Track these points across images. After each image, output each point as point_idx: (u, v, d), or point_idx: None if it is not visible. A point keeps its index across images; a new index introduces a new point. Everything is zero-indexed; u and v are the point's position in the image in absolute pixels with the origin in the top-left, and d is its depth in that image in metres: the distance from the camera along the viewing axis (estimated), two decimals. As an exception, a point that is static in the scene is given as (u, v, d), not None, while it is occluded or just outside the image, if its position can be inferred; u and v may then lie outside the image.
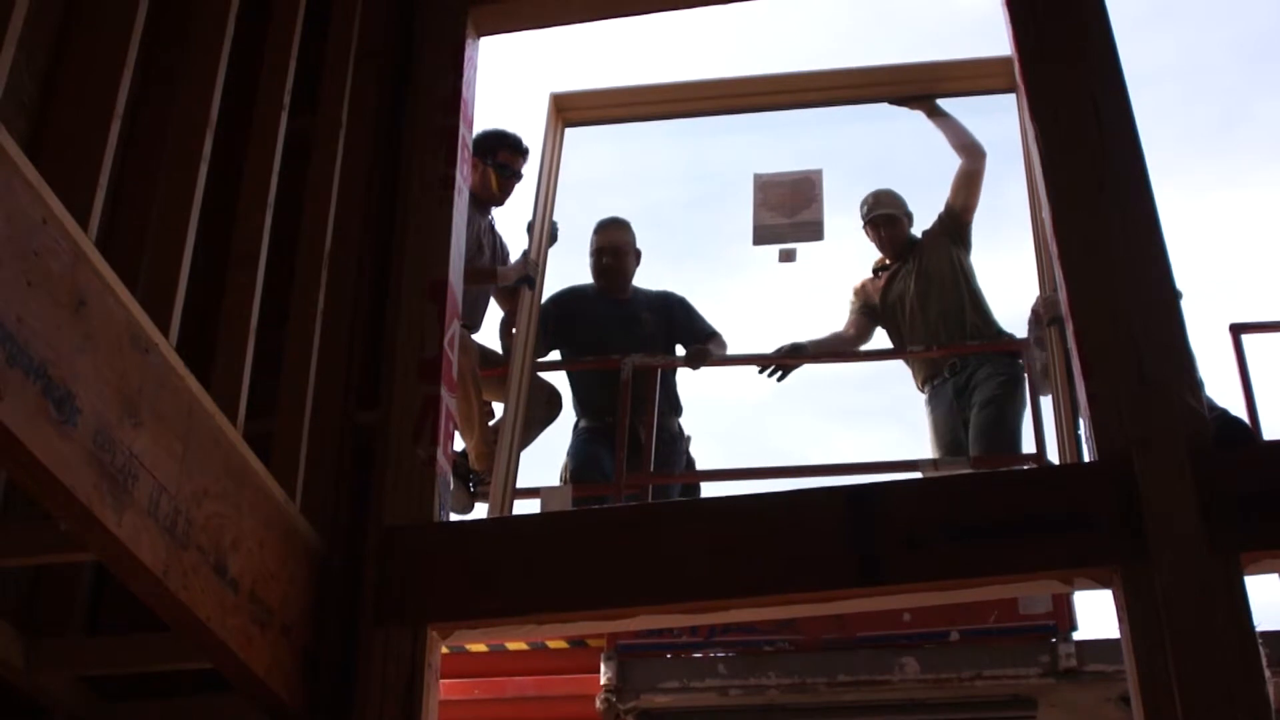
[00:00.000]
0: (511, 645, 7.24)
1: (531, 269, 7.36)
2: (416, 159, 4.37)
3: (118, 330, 2.72)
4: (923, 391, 7.55)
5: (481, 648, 7.18)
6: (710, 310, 8.21)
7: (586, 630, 6.00)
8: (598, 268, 7.84)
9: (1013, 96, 7.17)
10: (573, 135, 7.99)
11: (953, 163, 7.67)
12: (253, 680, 3.27)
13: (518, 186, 7.58)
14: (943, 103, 7.60)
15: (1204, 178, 18.74)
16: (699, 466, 7.74)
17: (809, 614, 3.84)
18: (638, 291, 7.88)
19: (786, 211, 7.22)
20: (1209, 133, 18.79)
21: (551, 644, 7.27)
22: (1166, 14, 17.78)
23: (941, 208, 7.75)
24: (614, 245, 7.85)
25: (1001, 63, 7.12)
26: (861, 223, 7.94)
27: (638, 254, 7.94)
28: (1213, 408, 5.97)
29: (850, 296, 7.92)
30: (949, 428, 7.31)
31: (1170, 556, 3.27)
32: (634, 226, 8.00)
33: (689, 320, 7.84)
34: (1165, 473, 3.38)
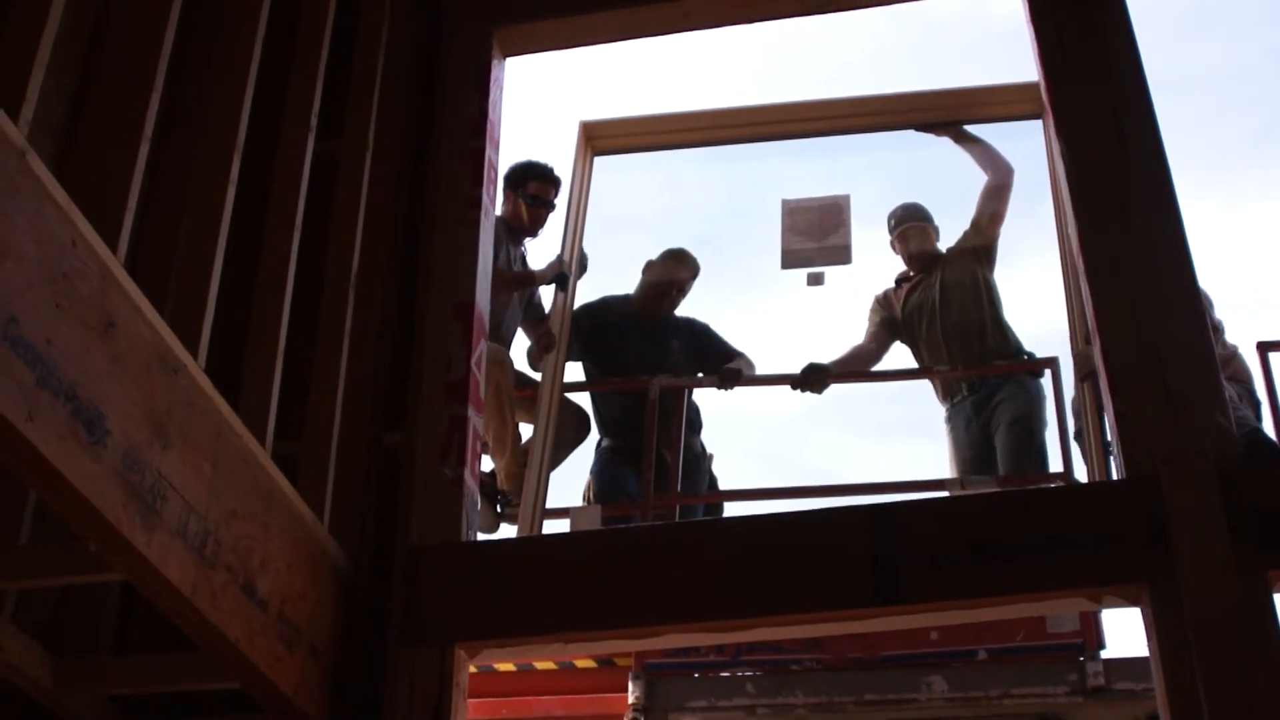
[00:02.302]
0: (539, 664, 7.23)
1: (566, 268, 7.37)
2: (443, 180, 4.38)
3: (146, 352, 2.74)
4: (943, 405, 7.54)
5: (509, 667, 7.17)
6: (740, 327, 8.22)
7: (614, 649, 6.00)
8: (660, 293, 7.81)
9: (1038, 122, 7.18)
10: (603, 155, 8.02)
11: (980, 186, 7.68)
12: (281, 700, 3.29)
13: (551, 217, 7.58)
14: (970, 129, 7.61)
15: (1241, 188, 18.65)
16: (729, 482, 7.73)
17: (834, 632, 3.83)
18: (665, 316, 7.88)
19: (815, 236, 7.23)
20: (1246, 142, 18.69)
21: (579, 663, 7.26)
22: (1202, 22, 17.70)
23: (968, 225, 7.75)
24: (684, 285, 7.86)
25: (1027, 89, 7.13)
26: (889, 236, 7.93)
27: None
28: (1242, 424, 5.94)
29: (872, 307, 7.91)
30: (968, 444, 7.29)
31: (1198, 574, 3.26)
32: (662, 245, 8.03)
33: (714, 345, 7.85)
34: (1193, 491, 3.38)
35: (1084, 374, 6.67)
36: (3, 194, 2.29)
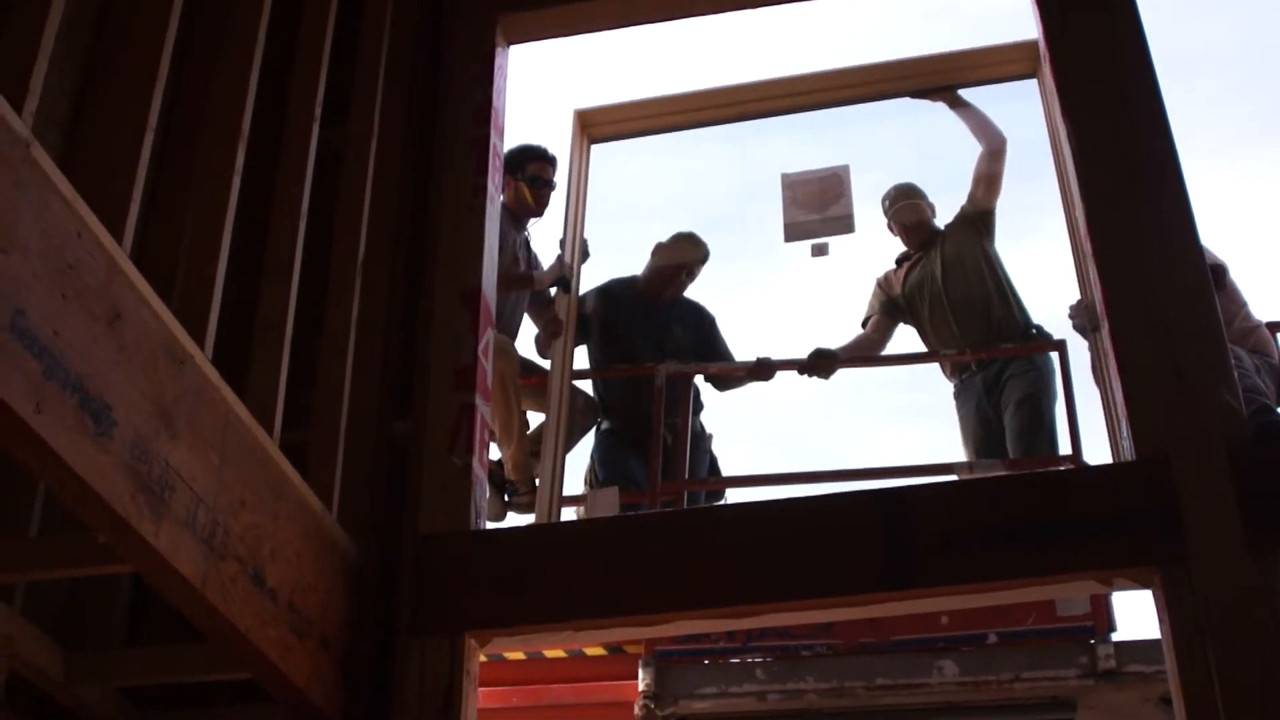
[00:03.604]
0: (549, 653, 7.24)
1: (567, 271, 7.34)
2: (448, 168, 4.38)
3: (153, 343, 2.73)
4: (951, 380, 7.52)
5: (519, 655, 7.18)
6: (746, 307, 8.22)
7: (624, 637, 6.00)
8: (667, 277, 7.79)
9: (1033, 82, 7.12)
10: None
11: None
12: (292, 690, 3.28)
13: (551, 196, 7.56)
14: (965, 92, 7.56)
15: (1258, 164, 18.64)
16: (738, 467, 7.72)
17: (844, 617, 3.83)
18: (672, 300, 7.85)
19: (816, 208, 7.20)
20: (1264, 118, 18.67)
21: (589, 651, 7.26)
22: (1215, 1, 17.67)
23: (964, 200, 7.72)
24: (692, 269, 7.85)
25: (1020, 48, 7.08)
26: (885, 219, 7.91)
27: None
28: (1253, 394, 5.87)
29: (873, 291, 7.89)
30: (979, 422, 7.28)
31: (1209, 557, 3.25)
32: (666, 226, 8.01)
33: (714, 341, 7.83)
34: (1203, 472, 3.37)
35: (1093, 325, 6.63)
36: (8, 185, 2.29)
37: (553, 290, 7.42)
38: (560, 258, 7.42)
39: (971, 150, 7.61)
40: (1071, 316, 6.75)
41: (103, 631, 3.87)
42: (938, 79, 7.44)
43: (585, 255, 7.66)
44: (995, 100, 7.60)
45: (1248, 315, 6.65)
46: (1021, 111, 7.45)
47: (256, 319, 3.61)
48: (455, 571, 3.69)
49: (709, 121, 7.83)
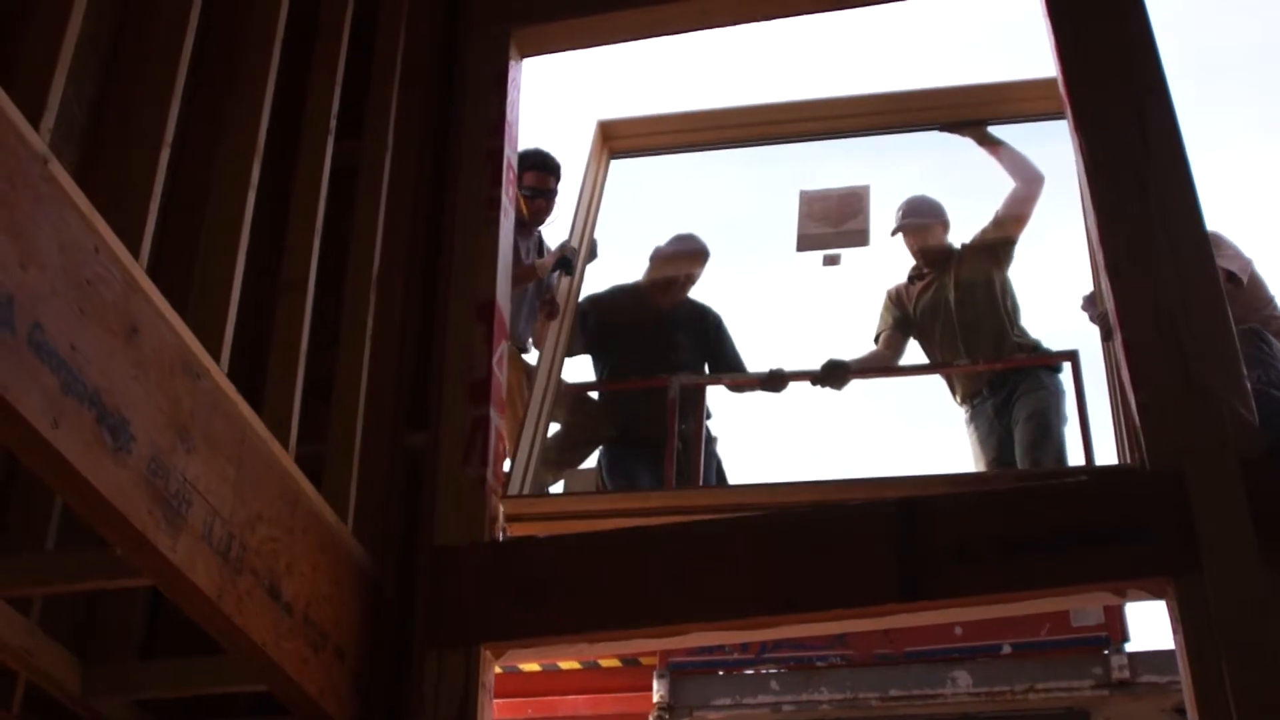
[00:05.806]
0: (564, 664, 7.23)
1: (570, 253, 7.21)
2: (462, 181, 4.39)
3: (170, 357, 2.74)
4: (962, 407, 7.47)
5: (534, 667, 7.18)
6: (758, 317, 8.09)
7: (639, 648, 6.00)
8: (666, 283, 7.70)
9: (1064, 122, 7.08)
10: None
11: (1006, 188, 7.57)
12: (307, 702, 3.29)
13: (556, 204, 7.47)
14: (997, 129, 7.49)
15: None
16: (746, 468, 7.66)
17: (859, 629, 3.84)
18: (674, 306, 7.76)
19: (832, 222, 7.15)
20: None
21: (604, 662, 7.25)
22: (1249, -2, 17.58)
23: (988, 222, 7.66)
24: (692, 274, 7.76)
25: (1053, 84, 7.03)
26: (900, 233, 7.85)
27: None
28: (1271, 389, 5.81)
29: (884, 305, 7.82)
30: (993, 446, 7.23)
31: (1223, 567, 3.25)
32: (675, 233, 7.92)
33: (720, 345, 7.72)
34: (1216, 483, 3.37)
35: (1105, 333, 6.58)
36: (26, 201, 2.30)
37: (555, 275, 7.34)
38: (564, 242, 7.31)
39: (999, 190, 7.51)
40: (1084, 308, 6.72)
41: (119, 644, 3.88)
42: (968, 110, 7.35)
43: (594, 255, 7.57)
44: (1026, 140, 7.52)
45: (1275, 311, 6.62)
46: (1052, 153, 7.38)
47: (272, 333, 3.62)
48: (470, 583, 3.70)
49: (734, 140, 7.75)
